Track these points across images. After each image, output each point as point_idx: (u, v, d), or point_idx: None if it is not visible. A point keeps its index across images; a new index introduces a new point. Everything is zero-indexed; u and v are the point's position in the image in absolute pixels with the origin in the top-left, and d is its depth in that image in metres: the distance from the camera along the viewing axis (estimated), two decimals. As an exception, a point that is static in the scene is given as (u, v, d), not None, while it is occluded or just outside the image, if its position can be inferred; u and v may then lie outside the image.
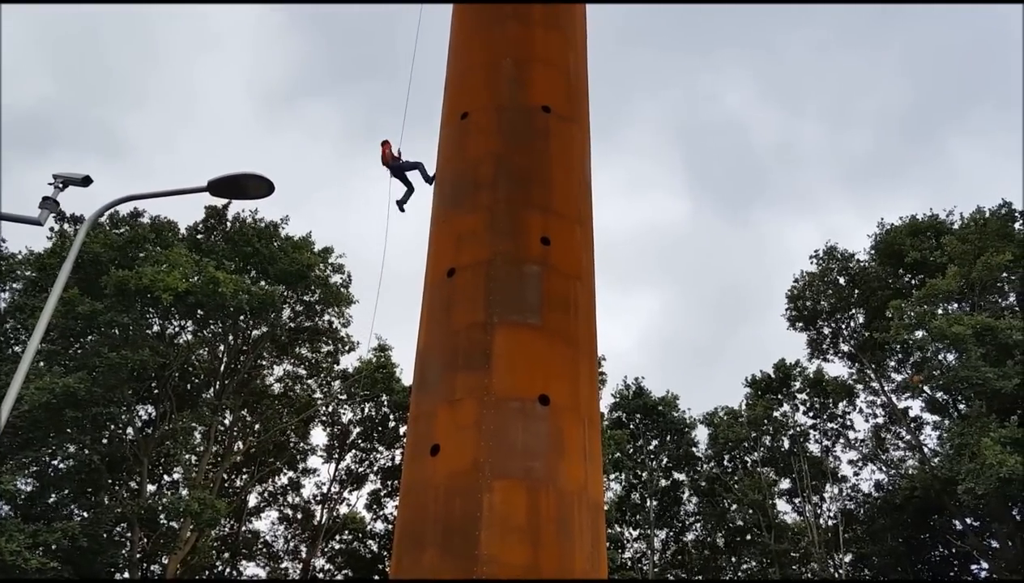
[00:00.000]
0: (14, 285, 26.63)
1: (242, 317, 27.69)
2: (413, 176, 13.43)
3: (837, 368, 33.69)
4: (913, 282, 31.05)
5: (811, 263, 33.89)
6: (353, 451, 34.67)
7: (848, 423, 33.61)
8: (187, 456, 27.95)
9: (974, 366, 23.75)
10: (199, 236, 29.76)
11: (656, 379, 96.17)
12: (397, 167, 13.52)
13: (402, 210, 11.74)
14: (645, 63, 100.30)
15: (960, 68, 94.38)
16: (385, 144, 14.71)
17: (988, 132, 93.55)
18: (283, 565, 33.59)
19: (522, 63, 11.01)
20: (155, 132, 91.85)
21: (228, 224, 30.00)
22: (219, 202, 30.08)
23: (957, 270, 26.74)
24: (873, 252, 32.53)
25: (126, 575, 26.75)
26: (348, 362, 32.86)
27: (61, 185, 9.19)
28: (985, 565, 29.17)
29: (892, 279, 31.89)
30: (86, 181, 9.23)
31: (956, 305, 27.52)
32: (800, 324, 33.95)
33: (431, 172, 12.61)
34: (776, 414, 33.90)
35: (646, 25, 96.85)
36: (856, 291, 32.79)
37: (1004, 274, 27.12)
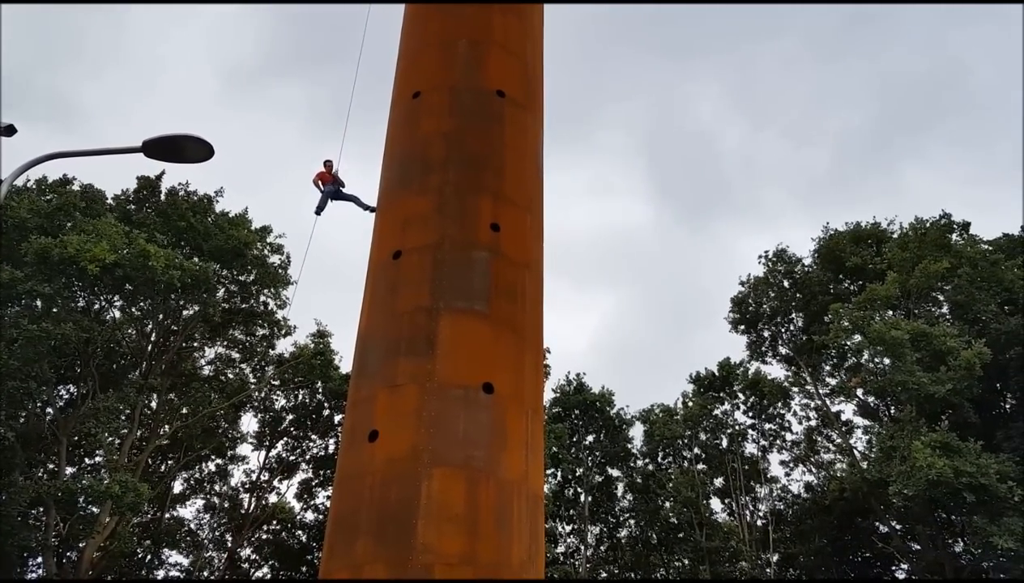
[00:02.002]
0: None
1: (173, 295, 26.63)
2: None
3: (776, 371, 34.59)
4: (852, 287, 31.75)
5: (759, 263, 34.20)
6: (285, 439, 33.83)
7: (786, 424, 34.15)
8: (110, 438, 26.79)
9: (910, 371, 24.24)
10: (130, 207, 28.56)
11: (608, 378, 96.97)
12: (335, 193, 15.10)
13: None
14: (617, 67, 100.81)
15: (919, 93, 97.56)
16: (327, 164, 15.19)
17: (939, 156, 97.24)
18: (207, 554, 32.58)
19: (478, 45, 10.71)
20: (110, 104, 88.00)
21: (161, 196, 28.87)
22: (151, 172, 29.00)
23: (896, 276, 27.35)
24: (816, 255, 33.02)
25: (39, 560, 25.61)
26: (284, 347, 32.03)
27: (-17, 134, 8.46)
28: (905, 566, 30.15)
29: (832, 284, 32.45)
30: (9, 130, 8.52)
31: (891, 312, 28.16)
32: (741, 327, 34.32)
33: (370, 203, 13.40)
34: (717, 412, 34.28)
35: (623, 28, 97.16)
36: (798, 295, 33.26)
37: (940, 283, 27.86)
